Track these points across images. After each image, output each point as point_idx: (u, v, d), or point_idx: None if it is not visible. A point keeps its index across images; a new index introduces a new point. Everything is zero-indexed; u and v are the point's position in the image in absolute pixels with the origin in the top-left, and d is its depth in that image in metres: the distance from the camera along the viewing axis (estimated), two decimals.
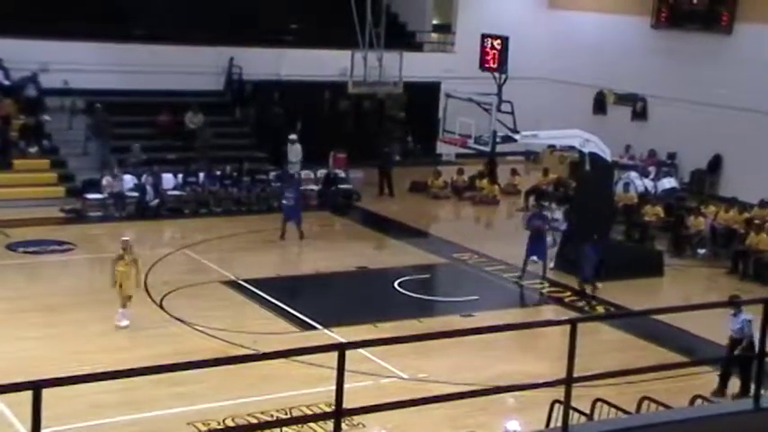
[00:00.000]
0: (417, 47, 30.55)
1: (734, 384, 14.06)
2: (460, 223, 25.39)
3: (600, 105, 30.36)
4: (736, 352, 14.04)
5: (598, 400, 11.58)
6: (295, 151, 25.48)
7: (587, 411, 11.27)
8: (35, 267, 19.16)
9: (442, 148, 27.92)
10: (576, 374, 6.90)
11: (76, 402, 11.63)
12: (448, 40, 31.92)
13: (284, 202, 21.91)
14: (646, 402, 12.08)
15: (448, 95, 21.47)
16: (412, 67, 25.72)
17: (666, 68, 27.96)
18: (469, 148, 21.39)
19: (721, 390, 14.17)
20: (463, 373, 14.11)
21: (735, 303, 14.12)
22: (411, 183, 27.19)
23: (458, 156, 28.81)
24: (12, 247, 19.73)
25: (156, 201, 23.27)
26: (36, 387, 5.65)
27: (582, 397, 11.05)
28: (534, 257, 19.36)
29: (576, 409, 9.44)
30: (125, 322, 15.75)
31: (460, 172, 27.19)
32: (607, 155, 20.50)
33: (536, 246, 19.34)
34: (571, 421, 7.01)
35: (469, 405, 12.44)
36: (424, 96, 28.92)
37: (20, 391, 5.60)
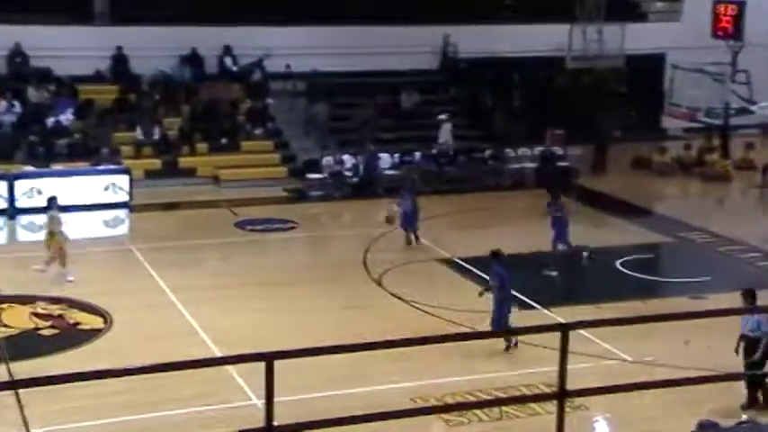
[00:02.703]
0: (641, 17, 29.15)
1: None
2: (688, 201, 24.16)
3: None
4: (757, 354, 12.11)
5: None
6: (444, 131, 25.00)
7: None
8: (261, 244, 19.94)
9: (667, 122, 26.60)
10: None
11: (302, 375, 11.93)
12: (675, 9, 30.25)
13: (398, 207, 19.52)
14: None
15: (674, 67, 20.39)
16: (635, 38, 24.63)
17: None
18: (698, 121, 20.28)
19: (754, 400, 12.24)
20: (691, 358, 13.29)
21: (749, 296, 12.25)
22: (633, 159, 26.09)
23: (685, 130, 27.30)
24: (240, 225, 20.66)
25: (356, 179, 23.50)
26: (268, 359, 5.75)
27: None
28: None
29: None
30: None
31: (688, 147, 25.77)
32: None
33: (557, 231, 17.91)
34: None
35: (699, 391, 11.66)
36: (647, 69, 27.60)
37: (253, 362, 5.70)
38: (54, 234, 16.86)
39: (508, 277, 14.28)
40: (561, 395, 7.47)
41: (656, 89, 25.83)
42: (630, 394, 11.61)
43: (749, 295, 12.35)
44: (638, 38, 25.54)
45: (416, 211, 19.47)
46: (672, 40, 26.86)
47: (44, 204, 17.92)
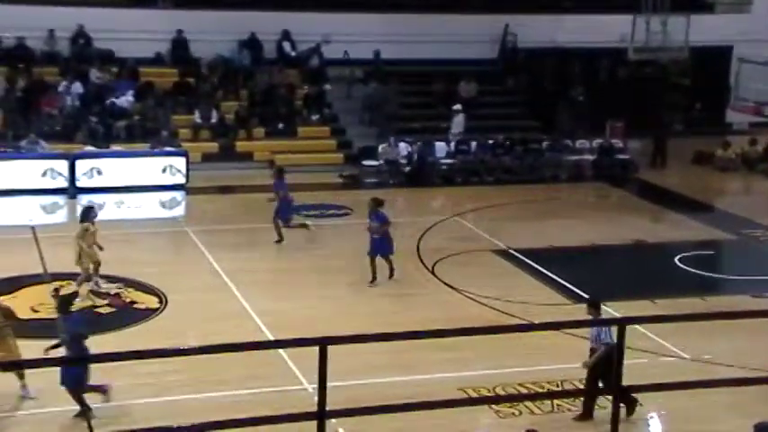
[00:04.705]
0: (708, 8, 28.49)
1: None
2: (752, 197, 23.64)
3: None
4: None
5: None
6: (458, 122, 24.63)
7: None
8: (315, 230, 19.93)
9: (732, 116, 26.03)
10: None
11: (351, 361, 11.89)
12: (744, 0, 29.52)
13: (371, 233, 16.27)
14: None
15: (741, 60, 19.88)
16: (700, 30, 24.10)
17: None
18: (765, 116, 19.78)
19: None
20: (750, 358, 12.99)
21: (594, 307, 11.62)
22: (695, 153, 25.60)
23: (751, 125, 26.71)
24: (296, 210, 20.67)
25: (408, 168, 23.40)
26: (323, 344, 5.72)
27: None
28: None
29: None
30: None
31: (753, 142, 25.18)
32: None
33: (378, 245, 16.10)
34: None
35: (756, 393, 11.38)
36: (712, 61, 27.02)
37: (308, 346, 5.67)
38: (83, 249, 15.13)
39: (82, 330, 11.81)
40: (617, 390, 7.33)
41: (722, 82, 25.27)
42: (687, 392, 11.38)
43: (594, 306, 11.79)
44: (705, 29, 24.99)
45: (389, 241, 16.15)
46: (740, 33, 26.23)
47: (81, 212, 15.94)
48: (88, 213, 15.60)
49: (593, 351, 11.68)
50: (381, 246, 16.10)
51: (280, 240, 18.14)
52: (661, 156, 25.29)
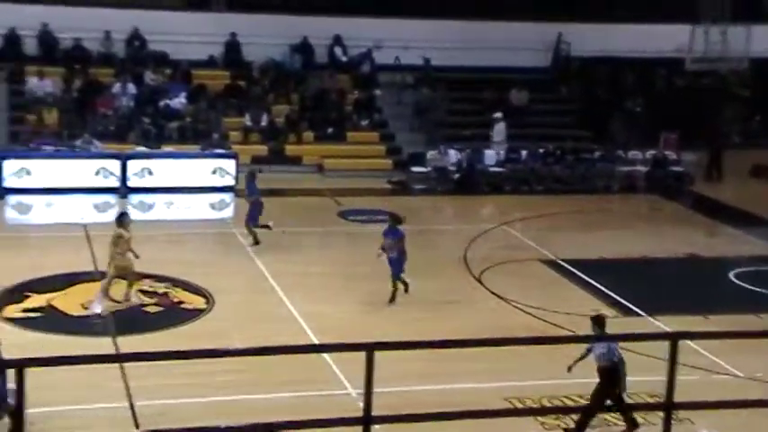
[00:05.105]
0: None
1: None
2: None
3: None
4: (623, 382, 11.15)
5: None
6: (499, 130, 24.29)
7: None
8: (360, 235, 19.84)
9: None
10: None
11: (395, 367, 11.77)
12: None
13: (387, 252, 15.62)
14: None
15: None
16: (762, 40, 23.63)
17: None
18: None
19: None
20: None
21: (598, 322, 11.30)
22: (753, 166, 25.08)
23: None
24: (343, 215, 20.69)
25: (457, 175, 23.22)
26: (371, 349, 5.64)
27: None
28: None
29: None
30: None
31: None
32: None
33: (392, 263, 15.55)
34: None
35: None
36: None
37: (355, 351, 5.59)
38: (114, 257, 14.70)
39: None
40: (668, 407, 7.13)
41: None
42: (739, 411, 11.09)
43: (598, 322, 11.45)
44: (766, 40, 24.49)
45: (404, 259, 15.63)
46: None
47: (116, 217, 15.49)
48: (122, 220, 15.11)
49: (601, 370, 11.30)
50: (397, 264, 15.60)
51: (257, 242, 17.95)
52: (717, 168, 24.82)
